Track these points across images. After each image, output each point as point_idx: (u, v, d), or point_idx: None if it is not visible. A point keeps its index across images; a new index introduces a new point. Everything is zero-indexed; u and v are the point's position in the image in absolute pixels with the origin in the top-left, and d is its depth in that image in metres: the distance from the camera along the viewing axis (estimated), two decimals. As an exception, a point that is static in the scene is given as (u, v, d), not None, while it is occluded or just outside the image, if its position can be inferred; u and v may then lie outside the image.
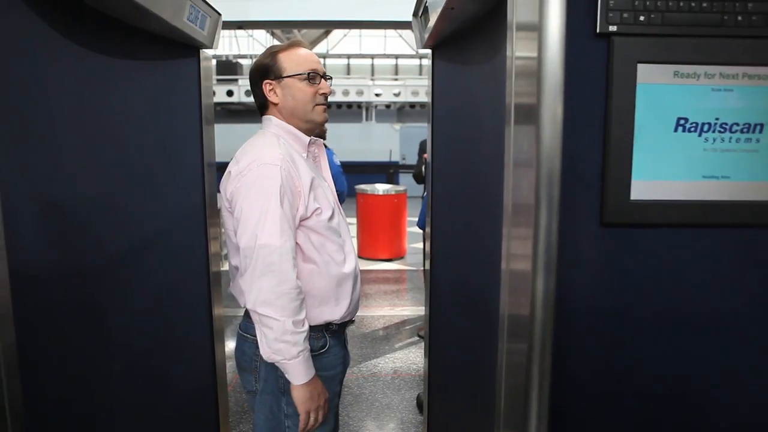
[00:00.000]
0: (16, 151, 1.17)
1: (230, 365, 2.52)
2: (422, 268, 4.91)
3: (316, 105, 1.53)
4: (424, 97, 12.77)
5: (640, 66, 0.97)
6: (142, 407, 1.74)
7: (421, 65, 14.83)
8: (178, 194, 2.01)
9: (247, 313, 1.50)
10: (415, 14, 2.13)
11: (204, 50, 2.10)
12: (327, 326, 1.49)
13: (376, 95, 13.27)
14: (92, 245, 1.49)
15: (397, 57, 14.65)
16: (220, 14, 2.06)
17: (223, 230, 1.62)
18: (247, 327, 1.48)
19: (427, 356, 2.41)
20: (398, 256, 6.95)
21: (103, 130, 1.54)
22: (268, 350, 1.33)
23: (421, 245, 6.78)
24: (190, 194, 2.10)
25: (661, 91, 0.98)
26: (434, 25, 1.79)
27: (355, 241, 7.19)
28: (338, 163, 4.23)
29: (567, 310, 1.03)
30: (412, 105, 14.06)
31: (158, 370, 1.86)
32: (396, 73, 14.69)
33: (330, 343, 1.50)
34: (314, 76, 1.51)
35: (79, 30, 1.41)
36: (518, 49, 0.94)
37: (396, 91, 13.17)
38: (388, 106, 14.43)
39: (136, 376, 1.70)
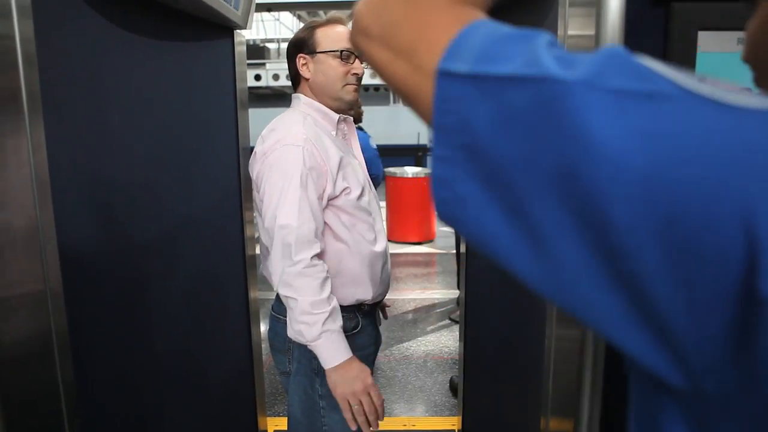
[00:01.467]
0: (62, 133, 1.18)
1: (264, 347, 2.55)
2: (453, 251, 4.88)
3: (347, 84, 1.50)
4: (452, 78, 12.60)
5: (701, 33, 0.92)
6: (182, 388, 1.77)
7: (448, 46, 14.62)
8: (214, 178, 2.02)
9: (278, 294, 1.51)
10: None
11: (238, 31, 2.09)
12: (359, 306, 1.49)
13: (404, 77, 13.16)
14: (131, 229, 1.51)
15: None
16: (252, -6, 2.04)
17: (255, 213, 1.63)
18: (279, 308, 1.49)
19: (462, 340, 2.40)
20: (428, 239, 6.93)
21: (141, 111, 1.54)
22: (291, 330, 1.35)
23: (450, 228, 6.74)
24: (226, 178, 2.11)
25: (724, 60, 0.93)
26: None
27: (384, 224, 7.19)
28: (374, 147, 4.21)
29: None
30: (440, 86, 13.90)
31: (197, 351, 1.89)
32: (423, 54, 14.50)
33: (362, 323, 1.50)
34: (348, 55, 1.49)
35: (118, 10, 1.41)
36: (572, 26, 0.91)
37: (423, 72, 13.02)
38: (415, 88, 14.29)
39: (175, 357, 1.73)
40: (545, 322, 1.05)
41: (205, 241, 1.96)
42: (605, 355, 0.89)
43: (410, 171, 6.93)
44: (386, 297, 4.19)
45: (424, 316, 4.35)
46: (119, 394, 1.39)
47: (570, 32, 0.92)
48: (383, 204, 6.95)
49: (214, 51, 2.01)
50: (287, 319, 1.36)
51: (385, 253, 1.54)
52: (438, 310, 4.44)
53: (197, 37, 1.87)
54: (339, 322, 1.34)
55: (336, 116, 1.53)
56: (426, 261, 6.11)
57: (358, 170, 1.51)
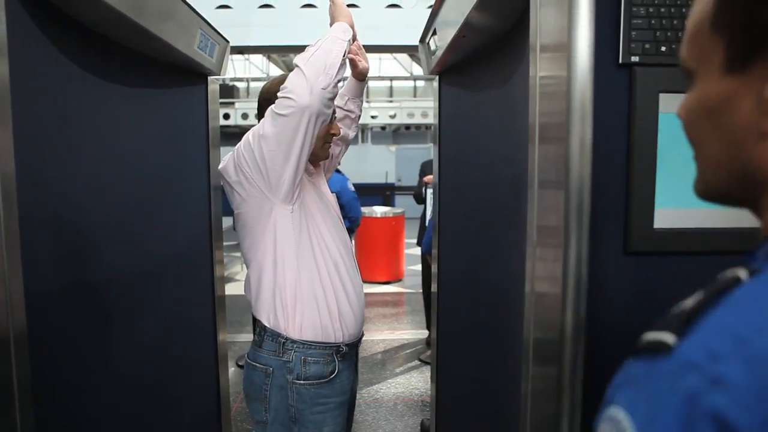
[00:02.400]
0: (32, 174, 1.16)
1: (231, 392, 2.48)
2: (421, 291, 4.89)
3: (326, 143, 1.56)
4: (419, 119, 12.82)
5: (662, 96, 0.98)
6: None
7: (415, 87, 14.95)
8: (185, 217, 2.00)
9: (255, 341, 1.48)
10: (421, 40, 2.15)
11: (212, 77, 2.10)
12: (337, 348, 1.47)
13: (372, 117, 13.34)
14: (100, 268, 1.47)
15: (391, 79, 14.76)
16: (228, 41, 2.07)
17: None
18: (255, 356, 1.45)
19: (434, 381, 2.38)
20: (396, 279, 6.92)
21: (108, 155, 1.53)
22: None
23: (418, 267, 6.76)
24: (197, 217, 2.09)
25: (684, 120, 0.99)
26: (444, 53, 1.81)
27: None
28: (352, 189, 4.22)
29: (592, 339, 1.02)
30: (408, 127, 14.13)
31: (161, 394, 1.83)
32: (391, 96, 14.79)
33: (339, 367, 1.48)
34: (331, 115, 1.52)
35: (94, 59, 1.42)
36: (542, 69, 0.95)
37: (392, 113, 13.24)
38: (383, 128, 14.50)
39: (142, 401, 1.67)
40: (521, 361, 1.06)
41: (175, 282, 1.92)
42: (582, 394, 0.90)
43: (379, 211, 6.97)
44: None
45: (393, 356, 4.31)
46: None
47: (542, 74, 0.96)
48: (352, 243, 6.92)
49: (189, 96, 2.02)
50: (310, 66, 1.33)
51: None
52: (407, 351, 4.41)
53: (173, 84, 1.88)
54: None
55: (311, 168, 1.59)
56: (395, 300, 6.08)
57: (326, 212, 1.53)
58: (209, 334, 2.18)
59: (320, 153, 1.58)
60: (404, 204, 8.62)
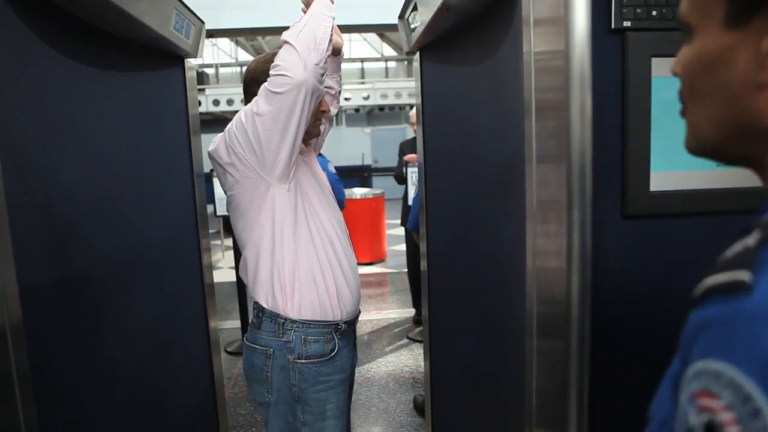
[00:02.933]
0: (14, 167, 1.12)
1: (225, 378, 2.47)
2: (405, 270, 4.91)
3: (316, 120, 1.56)
4: (393, 99, 12.78)
5: (654, 60, 0.99)
6: (143, 420, 1.69)
7: (386, 68, 14.85)
8: (169, 205, 1.96)
9: (253, 323, 1.47)
10: (401, 17, 2.13)
11: (188, 60, 2.05)
12: (336, 326, 1.47)
13: (345, 99, 13.24)
14: (83, 259, 1.43)
15: (362, 60, 14.65)
16: (203, 22, 2.02)
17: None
18: (254, 338, 1.45)
19: (427, 358, 2.40)
20: (379, 260, 6.94)
21: (91, 142, 1.49)
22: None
23: (400, 247, 6.77)
24: (181, 205, 2.05)
25: (676, 83, 0.99)
26: (427, 26, 1.79)
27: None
28: (334, 171, 4.18)
29: (593, 303, 1.03)
30: (381, 108, 14.07)
31: (156, 383, 1.81)
32: (362, 77, 14.68)
33: (339, 345, 1.48)
34: None
35: (65, 41, 1.36)
36: (538, 44, 0.95)
37: (365, 94, 13.16)
38: (357, 110, 14.42)
39: (133, 390, 1.65)
40: (524, 335, 1.07)
41: (163, 271, 1.89)
42: (590, 367, 0.91)
43: (359, 192, 6.95)
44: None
45: (382, 336, 4.34)
46: (79, 427, 1.31)
47: (537, 49, 0.95)
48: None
49: (165, 78, 1.96)
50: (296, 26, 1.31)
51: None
52: (395, 330, 4.44)
53: (149, 66, 1.83)
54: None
55: (302, 146, 1.58)
56: (378, 281, 6.10)
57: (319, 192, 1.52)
58: (200, 321, 2.16)
59: (312, 130, 1.57)
60: (382, 185, 8.60)
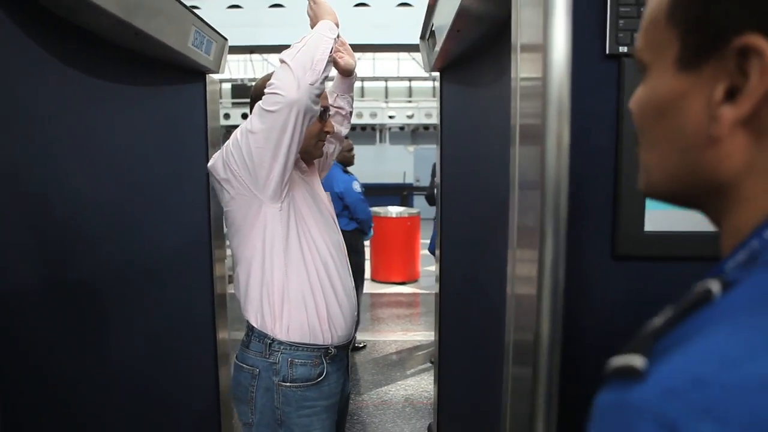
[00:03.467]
0: (28, 176, 1.16)
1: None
2: (435, 292, 4.83)
3: (319, 141, 1.55)
4: (437, 119, 12.76)
5: (651, 87, 0.92)
6: (141, 430, 1.69)
7: (434, 87, 14.85)
8: (184, 216, 1.99)
9: (243, 342, 1.46)
10: (422, 37, 2.11)
11: (210, 75, 2.09)
12: (326, 351, 1.44)
13: (390, 117, 13.31)
14: (97, 266, 1.47)
15: (410, 79, 14.70)
16: (226, 39, 2.05)
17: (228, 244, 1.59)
18: (243, 356, 1.43)
19: (436, 383, 2.34)
20: (412, 279, 6.87)
21: (111, 154, 1.54)
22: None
23: (434, 268, 6.69)
24: (196, 216, 2.08)
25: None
26: (441, 48, 1.77)
27: (367, 263, 7.13)
28: (358, 191, 4.17)
29: (576, 347, 0.97)
30: (426, 127, 14.07)
31: (160, 395, 1.82)
32: (409, 96, 14.74)
33: (327, 370, 1.45)
34: (324, 112, 1.52)
35: (86, 58, 1.42)
36: (523, 70, 0.91)
37: (409, 113, 13.20)
38: (401, 128, 14.46)
39: (135, 398, 1.66)
40: (503, 362, 1.02)
41: (172, 281, 1.91)
42: (562, 399, 0.86)
43: (394, 211, 6.93)
44: (367, 338, 4.14)
45: (405, 358, 4.27)
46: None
47: (522, 75, 0.91)
48: (367, 243, 6.88)
49: (186, 94, 2.01)
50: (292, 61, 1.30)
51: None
52: (420, 353, 4.36)
53: (170, 82, 1.88)
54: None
55: (304, 166, 1.57)
56: (409, 302, 6.04)
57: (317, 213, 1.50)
58: (208, 332, 2.17)
59: (314, 151, 1.57)
60: (422, 204, 8.57)
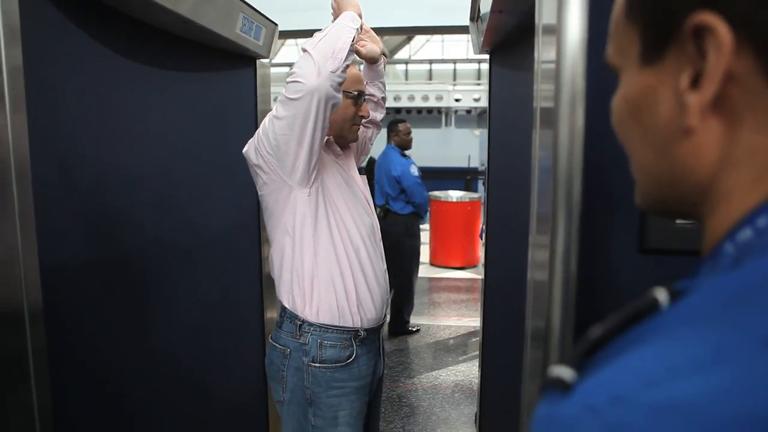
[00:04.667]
0: (81, 159, 1.24)
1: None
2: (481, 278, 4.78)
3: (354, 125, 1.58)
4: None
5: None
6: (192, 412, 1.79)
7: (503, 69, 14.51)
8: (233, 198, 2.06)
9: (276, 322, 1.51)
10: (471, 19, 2.07)
11: (261, 60, 2.14)
12: (355, 333, 1.46)
13: (456, 100, 13.14)
14: (147, 247, 1.56)
15: (480, 62, 14.43)
16: (276, 24, 2.09)
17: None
18: (276, 336, 1.48)
19: (480, 369, 2.32)
20: (471, 265, 6.81)
21: (161, 138, 1.62)
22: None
23: (494, 254, 6.59)
24: (246, 198, 2.15)
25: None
26: (487, 30, 1.73)
27: (427, 247, 7.12)
28: (416, 174, 4.19)
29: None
30: (493, 110, 13.79)
31: (207, 373, 1.91)
32: (479, 78, 14.48)
33: (357, 352, 1.47)
34: (359, 97, 1.56)
35: (137, 45, 1.49)
36: (543, 52, 0.87)
37: (476, 96, 12.97)
38: (468, 112, 14.25)
39: (184, 379, 1.75)
40: (523, 346, 1.01)
41: (221, 260, 1.99)
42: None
43: (454, 195, 6.86)
44: (422, 323, 4.14)
45: (458, 344, 4.25)
46: (115, 424, 1.41)
47: (542, 57, 0.88)
48: (426, 227, 6.88)
49: (237, 78, 2.07)
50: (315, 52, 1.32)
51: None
52: (473, 339, 4.33)
53: (219, 67, 1.94)
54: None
55: (339, 151, 1.60)
56: (467, 287, 5.99)
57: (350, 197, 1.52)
58: (257, 312, 2.25)
59: (348, 135, 1.59)
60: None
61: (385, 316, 1.57)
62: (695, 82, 0.36)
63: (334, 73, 1.29)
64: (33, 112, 1.05)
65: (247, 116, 2.14)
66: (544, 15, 0.87)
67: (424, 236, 6.87)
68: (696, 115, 0.36)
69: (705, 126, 0.36)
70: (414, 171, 4.19)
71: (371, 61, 1.68)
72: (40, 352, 1.06)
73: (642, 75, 0.40)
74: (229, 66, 2.00)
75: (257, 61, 2.13)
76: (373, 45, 1.60)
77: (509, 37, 1.78)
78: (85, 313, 1.30)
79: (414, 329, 4.43)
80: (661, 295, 0.35)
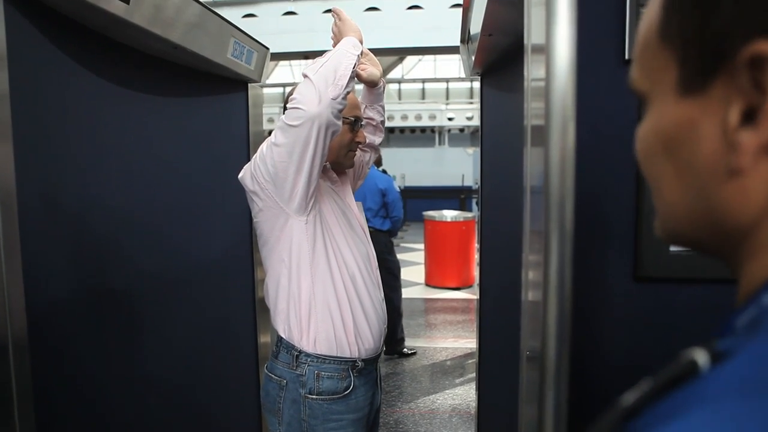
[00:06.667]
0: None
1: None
2: (476, 298, 4.75)
3: (350, 151, 1.55)
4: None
5: (675, 92, 0.86)
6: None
7: (495, 89, 14.64)
8: (226, 221, 2.04)
9: (272, 352, 1.47)
10: (462, 41, 2.08)
11: (253, 84, 2.14)
12: (353, 364, 1.43)
13: (449, 119, 13.23)
14: (137, 274, 1.54)
15: (472, 80, 14.55)
16: (267, 48, 2.09)
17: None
18: (272, 367, 1.44)
19: (477, 392, 2.28)
20: (466, 285, 6.78)
21: (154, 164, 1.61)
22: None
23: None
24: (239, 220, 2.13)
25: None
26: (477, 52, 1.74)
27: (422, 268, 7.09)
28: (398, 189, 4.27)
29: (596, 371, 0.91)
30: (486, 129, 13.88)
31: (200, 404, 1.87)
32: (471, 97, 14.59)
33: (355, 383, 1.44)
34: (356, 123, 1.53)
35: (126, 71, 1.49)
36: (533, 70, 0.87)
37: (468, 114, 13.06)
38: (462, 130, 14.34)
39: (176, 406, 1.72)
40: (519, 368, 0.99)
41: (213, 285, 1.96)
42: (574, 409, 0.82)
43: (449, 215, 6.86)
44: (418, 345, 4.08)
45: (455, 366, 4.21)
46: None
47: (532, 75, 0.88)
48: (421, 247, 6.84)
49: (229, 102, 2.07)
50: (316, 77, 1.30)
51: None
52: (470, 361, 4.28)
53: (210, 91, 1.93)
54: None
55: (335, 176, 1.57)
56: (463, 307, 5.95)
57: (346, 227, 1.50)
58: (250, 335, 2.22)
59: (344, 161, 1.57)
60: (478, 208, 8.43)
61: (382, 345, 1.54)
62: (747, 118, 0.32)
63: (335, 100, 1.28)
64: (19, 140, 1.03)
65: (240, 140, 2.14)
66: (533, 35, 0.87)
67: (419, 256, 6.83)
68: (750, 155, 0.32)
69: (756, 168, 0.33)
70: (396, 187, 4.28)
71: (371, 84, 1.67)
72: (25, 383, 1.03)
73: (680, 105, 0.36)
74: (221, 90, 2.00)
75: (249, 84, 2.13)
76: (373, 68, 1.59)
77: (500, 60, 1.79)
78: (72, 343, 1.27)
79: (410, 352, 4.38)
80: (701, 357, 0.32)
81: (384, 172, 4.44)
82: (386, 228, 4.20)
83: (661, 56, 0.37)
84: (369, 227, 4.23)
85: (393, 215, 4.18)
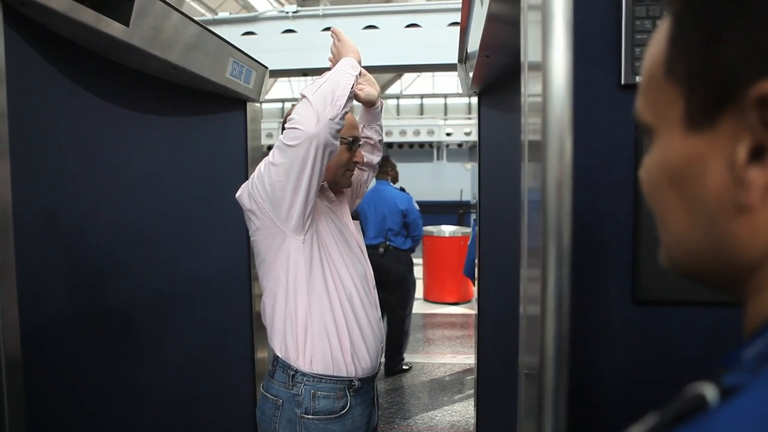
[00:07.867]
0: (69, 205, 1.23)
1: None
2: (475, 313, 4.74)
3: (347, 171, 1.55)
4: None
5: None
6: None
7: (493, 104, 14.72)
8: (223, 239, 2.04)
9: (269, 371, 1.47)
10: (459, 60, 2.10)
11: (251, 103, 2.15)
12: (349, 383, 1.42)
13: (447, 134, 13.28)
14: (134, 292, 1.54)
15: (470, 96, 14.66)
16: (266, 67, 2.10)
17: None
18: (268, 386, 1.43)
19: (476, 408, 2.27)
20: (465, 300, 6.76)
21: (152, 183, 1.62)
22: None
23: (488, 288, 6.54)
24: (236, 237, 2.13)
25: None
26: (474, 72, 1.75)
27: (420, 283, 7.07)
28: (417, 208, 4.25)
29: (595, 390, 0.91)
30: (484, 144, 13.94)
31: (196, 416, 1.86)
32: (469, 112, 14.66)
33: (351, 403, 1.43)
34: (354, 143, 1.53)
35: (125, 91, 1.50)
36: (530, 86, 0.88)
37: (467, 129, 13.12)
38: (460, 145, 14.39)
39: (174, 423, 1.70)
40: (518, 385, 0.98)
41: (211, 301, 1.96)
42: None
43: (447, 230, 6.86)
44: (416, 360, 4.06)
45: (453, 382, 4.18)
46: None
47: (529, 92, 0.88)
48: (419, 262, 6.83)
49: (227, 121, 2.08)
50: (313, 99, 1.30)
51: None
52: (469, 377, 4.25)
53: (209, 110, 1.95)
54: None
55: (333, 196, 1.57)
56: (461, 323, 5.93)
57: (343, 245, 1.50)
58: (246, 353, 2.20)
59: (342, 181, 1.57)
60: (477, 223, 8.41)
61: (379, 364, 1.54)
62: (755, 155, 0.32)
63: (332, 120, 1.28)
64: (16, 159, 1.04)
65: (238, 158, 2.15)
66: (530, 53, 0.88)
67: (418, 271, 6.81)
68: (758, 193, 0.32)
69: (765, 204, 0.33)
70: (416, 205, 4.26)
71: (369, 104, 1.67)
72: (18, 402, 1.02)
73: (686, 140, 0.36)
74: (219, 109, 2.01)
75: (247, 103, 2.14)
76: (370, 88, 1.60)
77: (497, 79, 1.81)
78: (67, 360, 1.27)
79: (407, 367, 4.35)
80: (710, 392, 0.31)
81: (402, 189, 4.41)
82: (407, 247, 4.19)
83: (667, 90, 0.37)
84: (391, 246, 4.25)
85: (414, 234, 4.18)
